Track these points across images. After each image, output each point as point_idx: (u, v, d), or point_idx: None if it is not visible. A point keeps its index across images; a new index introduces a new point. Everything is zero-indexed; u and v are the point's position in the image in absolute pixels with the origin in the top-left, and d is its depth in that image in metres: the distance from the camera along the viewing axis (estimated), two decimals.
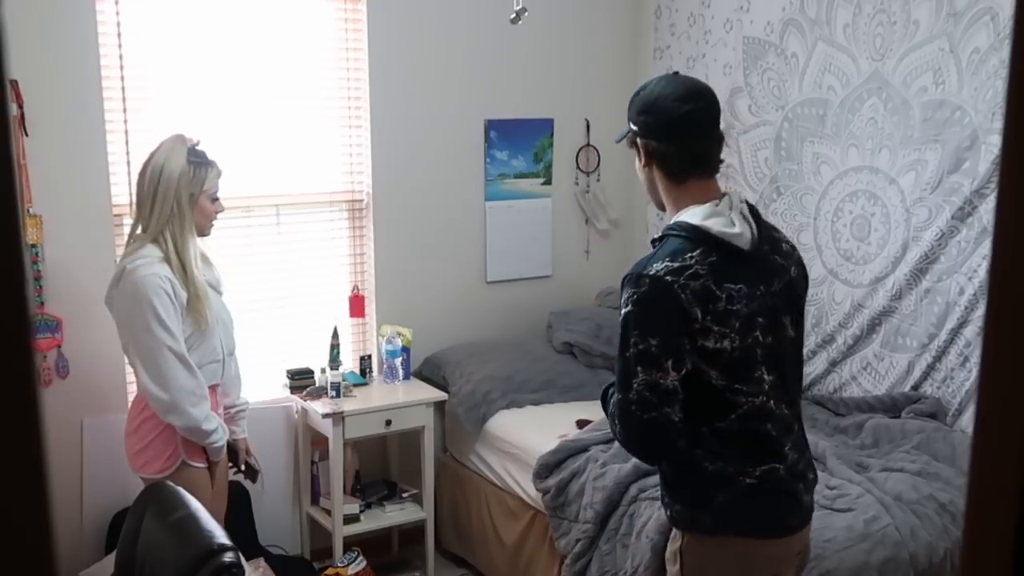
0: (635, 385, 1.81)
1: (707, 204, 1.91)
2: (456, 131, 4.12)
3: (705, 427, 1.89)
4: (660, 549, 2.71)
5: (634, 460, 3.05)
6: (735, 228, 1.88)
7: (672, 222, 1.94)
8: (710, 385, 1.86)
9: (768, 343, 1.91)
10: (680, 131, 1.93)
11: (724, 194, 1.96)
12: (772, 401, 1.92)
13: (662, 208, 2.05)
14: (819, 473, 2.20)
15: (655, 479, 2.97)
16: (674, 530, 2.02)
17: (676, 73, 2.09)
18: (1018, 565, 0.50)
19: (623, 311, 1.87)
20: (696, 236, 1.87)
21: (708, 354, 1.84)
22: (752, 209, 1.98)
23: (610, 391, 1.96)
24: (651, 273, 1.84)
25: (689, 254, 1.85)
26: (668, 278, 1.82)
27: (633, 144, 2.02)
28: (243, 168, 3.53)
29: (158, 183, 2.66)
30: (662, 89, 1.96)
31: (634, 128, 1.99)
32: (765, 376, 1.91)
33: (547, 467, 3.26)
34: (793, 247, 2.07)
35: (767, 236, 1.97)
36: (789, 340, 2.00)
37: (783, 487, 1.93)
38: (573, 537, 3.07)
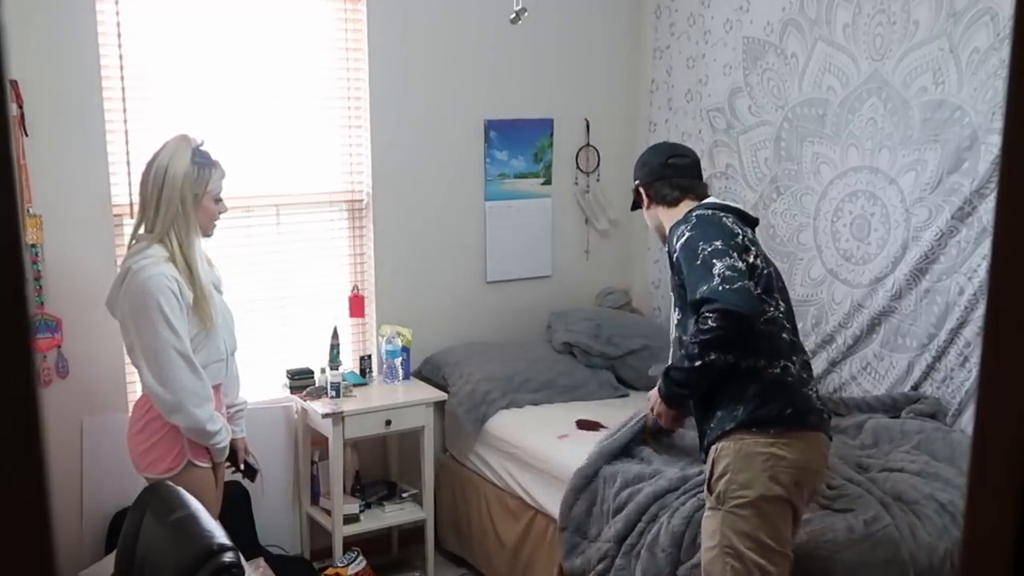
0: (716, 272, 2.21)
1: (711, 198, 2.56)
2: (456, 131, 4.12)
3: None
4: (676, 561, 2.71)
5: (656, 487, 2.97)
6: (739, 204, 2.55)
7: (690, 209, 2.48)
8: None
9: (779, 284, 2.41)
10: (664, 173, 2.57)
11: None
12: (784, 320, 2.37)
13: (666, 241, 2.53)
14: None
15: (670, 499, 2.92)
16: (711, 447, 2.34)
17: (665, 141, 2.91)
18: (1018, 565, 0.50)
19: (682, 241, 2.32)
20: (713, 206, 2.45)
21: (749, 267, 2.29)
22: None
23: (670, 369, 2.39)
24: (696, 214, 2.39)
25: (715, 210, 2.42)
26: (709, 212, 2.39)
27: (638, 195, 2.65)
28: (243, 168, 3.53)
29: (162, 183, 2.65)
30: (651, 150, 2.69)
31: (636, 182, 2.65)
32: (779, 299, 2.38)
33: (586, 479, 3.11)
34: None
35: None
36: (788, 303, 2.46)
37: (795, 381, 2.31)
38: (593, 556, 2.97)
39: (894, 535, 2.61)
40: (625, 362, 4.08)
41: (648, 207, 2.62)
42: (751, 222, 2.50)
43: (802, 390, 2.32)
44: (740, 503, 2.26)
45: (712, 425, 2.33)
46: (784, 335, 2.34)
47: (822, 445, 2.36)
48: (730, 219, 2.37)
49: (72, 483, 3.35)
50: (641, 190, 2.63)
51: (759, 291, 2.30)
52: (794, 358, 2.34)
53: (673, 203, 2.55)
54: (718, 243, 2.26)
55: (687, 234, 2.32)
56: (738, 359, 2.27)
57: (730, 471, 2.27)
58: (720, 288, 2.19)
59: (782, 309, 2.37)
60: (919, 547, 2.62)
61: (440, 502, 4.01)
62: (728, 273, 2.20)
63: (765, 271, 2.35)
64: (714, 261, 2.23)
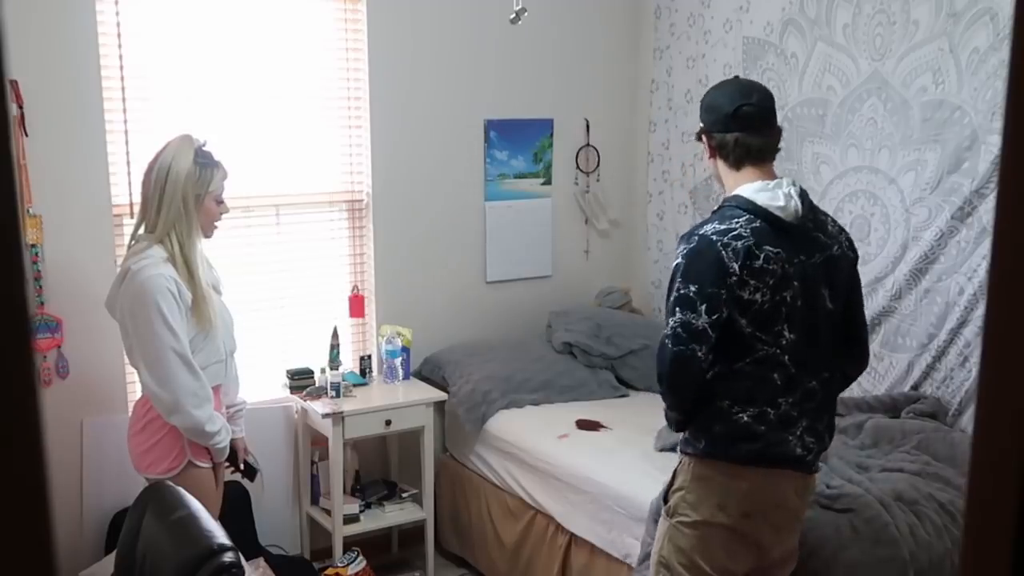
0: (671, 323, 2.14)
1: (760, 182, 2.22)
2: (456, 131, 4.12)
3: (726, 366, 2.17)
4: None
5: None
6: (780, 202, 2.18)
7: (729, 195, 2.26)
8: (739, 331, 2.15)
9: (797, 306, 2.18)
10: (733, 126, 2.24)
11: (779, 178, 2.26)
12: (786, 356, 2.18)
13: None
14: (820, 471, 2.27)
15: None
16: (680, 456, 2.33)
17: (736, 77, 2.46)
18: (1018, 565, 0.50)
19: (675, 262, 2.19)
20: (745, 206, 2.18)
21: (742, 304, 2.13)
22: (803, 192, 2.25)
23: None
24: (701, 232, 2.17)
25: (737, 220, 2.16)
26: (714, 237, 2.13)
27: (701, 139, 2.35)
28: (243, 168, 3.52)
29: (164, 183, 2.65)
30: (721, 90, 2.33)
31: (701, 124, 2.34)
32: (785, 333, 2.18)
33: None
34: (841, 229, 2.35)
35: (812, 215, 2.26)
36: (825, 310, 2.24)
37: (770, 429, 2.19)
38: None
39: (894, 535, 2.61)
40: (625, 362, 4.08)
41: (710, 155, 2.33)
42: (791, 228, 2.18)
43: (780, 434, 2.19)
44: (684, 521, 2.27)
45: (683, 439, 2.32)
46: (775, 375, 2.17)
47: (790, 481, 2.25)
48: (741, 242, 2.11)
49: (72, 483, 3.35)
50: (704, 137, 2.34)
51: (750, 330, 2.14)
52: (780, 400, 2.18)
53: (735, 166, 2.26)
54: (693, 288, 2.11)
55: (679, 259, 2.18)
56: (715, 394, 2.19)
57: (684, 488, 2.28)
58: (665, 342, 2.15)
59: (784, 343, 2.17)
60: (919, 547, 2.62)
61: (440, 502, 4.00)
62: (679, 331, 2.12)
63: (766, 305, 2.14)
64: (676, 310, 2.13)
